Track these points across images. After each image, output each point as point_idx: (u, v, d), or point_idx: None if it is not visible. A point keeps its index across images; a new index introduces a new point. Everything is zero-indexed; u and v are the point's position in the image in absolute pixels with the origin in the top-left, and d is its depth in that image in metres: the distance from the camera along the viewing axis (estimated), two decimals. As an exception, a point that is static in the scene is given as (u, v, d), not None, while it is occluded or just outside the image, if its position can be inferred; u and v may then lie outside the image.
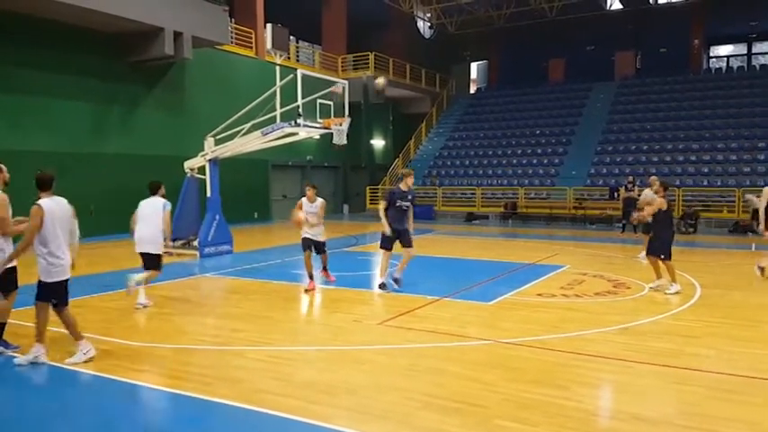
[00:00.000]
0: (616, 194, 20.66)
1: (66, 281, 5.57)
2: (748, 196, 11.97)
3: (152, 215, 7.87)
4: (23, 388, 5.08)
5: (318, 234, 9.65)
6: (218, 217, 13.03)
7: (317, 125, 12.36)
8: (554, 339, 6.37)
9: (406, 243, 9.10)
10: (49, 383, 5.18)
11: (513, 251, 14.36)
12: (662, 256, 8.79)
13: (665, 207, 8.79)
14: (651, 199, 12.55)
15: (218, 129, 13.08)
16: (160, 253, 7.96)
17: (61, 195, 5.66)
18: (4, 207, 5.59)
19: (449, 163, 27.21)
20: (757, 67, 29.43)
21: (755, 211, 18.04)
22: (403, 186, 9.12)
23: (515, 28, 31.91)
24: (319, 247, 9.70)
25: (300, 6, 26.62)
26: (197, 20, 17.17)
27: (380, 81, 13.71)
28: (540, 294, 8.81)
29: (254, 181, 22.12)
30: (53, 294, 5.49)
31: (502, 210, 23.05)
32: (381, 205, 9.17)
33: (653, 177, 13.30)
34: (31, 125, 15.19)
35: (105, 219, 16.50)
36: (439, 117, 31.22)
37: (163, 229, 7.89)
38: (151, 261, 7.91)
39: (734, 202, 19.75)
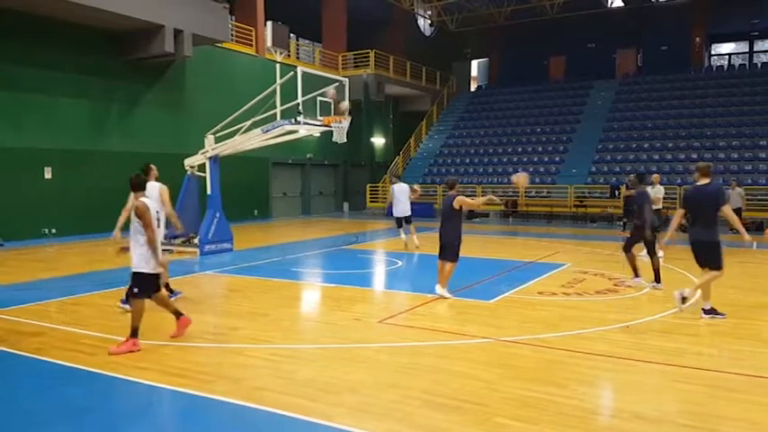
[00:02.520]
0: (617, 193, 20.64)
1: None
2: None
3: (403, 193, 14.01)
4: (24, 386, 5.07)
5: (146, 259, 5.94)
6: (218, 215, 13.02)
7: (318, 123, 12.35)
8: (554, 338, 6.36)
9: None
10: (50, 381, 5.16)
11: (514, 249, 14.35)
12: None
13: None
14: (653, 196, 12.54)
15: (219, 126, 13.06)
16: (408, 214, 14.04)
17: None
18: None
19: (449, 161, 27.19)
20: (759, 65, 29.37)
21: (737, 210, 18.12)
22: None
23: (516, 25, 31.86)
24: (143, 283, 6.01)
25: (301, 4, 26.59)
26: (197, 17, 17.14)
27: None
28: (540, 293, 8.80)
29: (255, 179, 22.10)
30: None
31: (502, 208, 23.03)
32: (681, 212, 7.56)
33: (655, 175, 13.27)
34: (31, 123, 15.18)
35: (105, 216, 16.47)
36: (439, 115, 31.18)
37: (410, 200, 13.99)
38: (408, 220, 14.11)
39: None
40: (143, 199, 6.00)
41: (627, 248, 9.39)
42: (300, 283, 10.10)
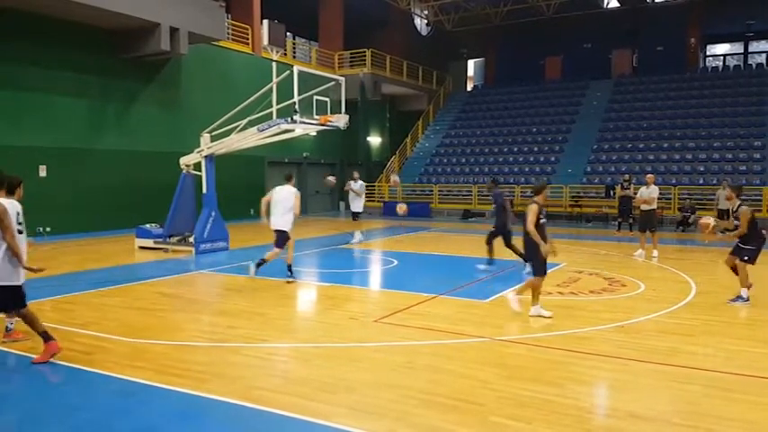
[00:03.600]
0: (612, 193, 20.70)
1: None
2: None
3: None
4: (18, 384, 5.05)
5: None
6: (213, 213, 12.99)
7: (314, 122, 12.33)
8: (550, 337, 6.38)
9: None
10: (44, 380, 5.15)
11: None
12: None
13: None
14: (647, 196, 12.56)
15: (215, 125, 13.03)
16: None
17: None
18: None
19: (445, 160, 27.20)
20: (753, 65, 29.50)
21: (720, 212, 17.89)
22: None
23: (513, 25, 31.89)
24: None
25: (297, 3, 26.54)
26: (193, 16, 17.09)
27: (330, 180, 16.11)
28: (536, 292, 8.80)
29: (250, 177, 22.06)
30: None
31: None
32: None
33: (649, 176, 13.25)
34: (27, 121, 15.11)
35: (101, 215, 16.46)
36: (436, 114, 31.19)
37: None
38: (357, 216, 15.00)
39: (715, 197, 19.71)
40: (2, 200, 5.37)
41: (488, 241, 10.94)
42: (296, 282, 10.10)
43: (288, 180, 9.93)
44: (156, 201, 16.10)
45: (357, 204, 15.12)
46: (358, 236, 14.95)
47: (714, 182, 21.03)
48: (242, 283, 9.55)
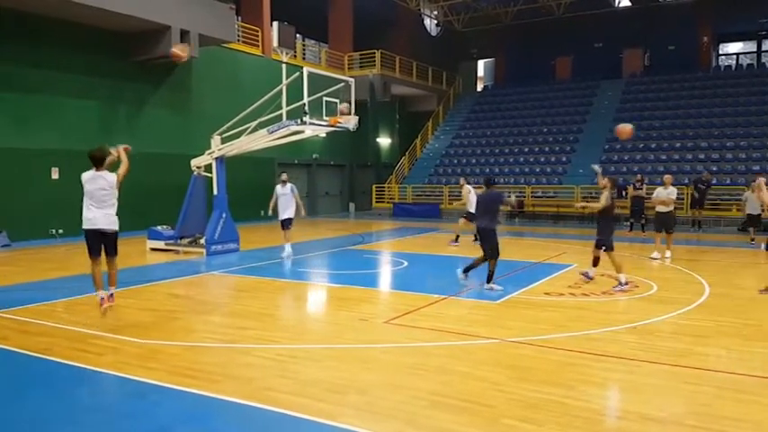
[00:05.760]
0: (624, 193, 20.55)
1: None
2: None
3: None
4: (32, 386, 5.10)
5: None
6: (224, 215, 13.05)
7: (323, 123, 12.36)
8: (561, 338, 6.34)
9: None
10: (58, 381, 5.19)
11: (520, 250, 14.31)
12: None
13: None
14: (666, 197, 12.38)
15: (225, 127, 13.10)
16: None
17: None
18: None
19: (455, 161, 27.15)
20: (767, 64, 29.18)
21: (750, 217, 16.17)
22: None
23: (523, 25, 31.79)
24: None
25: (307, 4, 26.64)
26: (204, 18, 17.20)
27: None
28: (547, 293, 8.78)
29: (261, 179, 22.13)
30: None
31: (509, 208, 22.98)
32: None
33: (666, 176, 12.98)
34: (38, 123, 15.27)
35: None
36: (446, 115, 31.15)
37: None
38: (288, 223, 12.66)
39: (743, 200, 19.54)
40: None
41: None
42: (307, 283, 10.12)
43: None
44: (167, 202, 16.21)
45: (287, 210, 12.42)
46: (288, 249, 12.51)
47: (728, 181, 20.84)
48: (253, 285, 9.59)
